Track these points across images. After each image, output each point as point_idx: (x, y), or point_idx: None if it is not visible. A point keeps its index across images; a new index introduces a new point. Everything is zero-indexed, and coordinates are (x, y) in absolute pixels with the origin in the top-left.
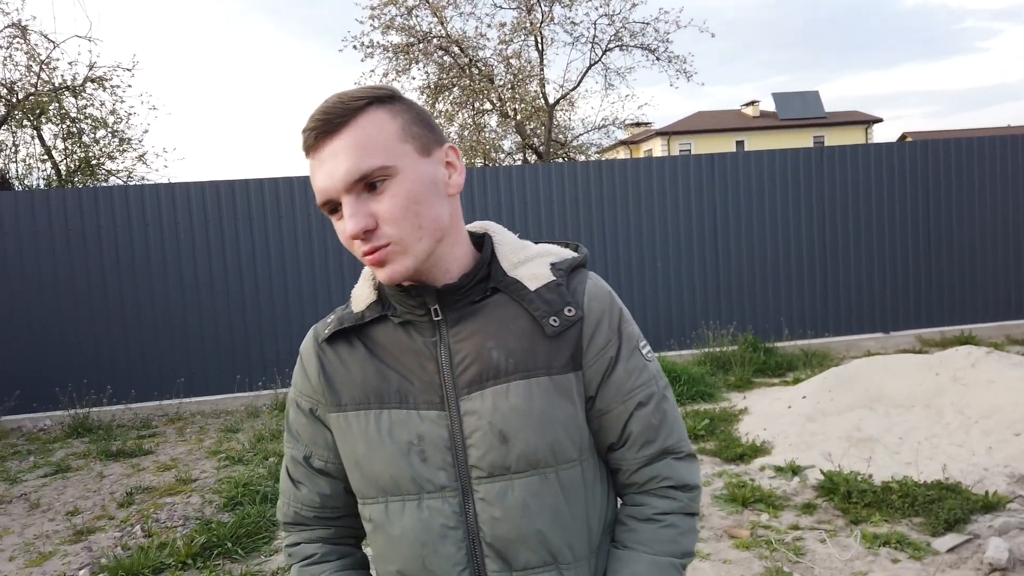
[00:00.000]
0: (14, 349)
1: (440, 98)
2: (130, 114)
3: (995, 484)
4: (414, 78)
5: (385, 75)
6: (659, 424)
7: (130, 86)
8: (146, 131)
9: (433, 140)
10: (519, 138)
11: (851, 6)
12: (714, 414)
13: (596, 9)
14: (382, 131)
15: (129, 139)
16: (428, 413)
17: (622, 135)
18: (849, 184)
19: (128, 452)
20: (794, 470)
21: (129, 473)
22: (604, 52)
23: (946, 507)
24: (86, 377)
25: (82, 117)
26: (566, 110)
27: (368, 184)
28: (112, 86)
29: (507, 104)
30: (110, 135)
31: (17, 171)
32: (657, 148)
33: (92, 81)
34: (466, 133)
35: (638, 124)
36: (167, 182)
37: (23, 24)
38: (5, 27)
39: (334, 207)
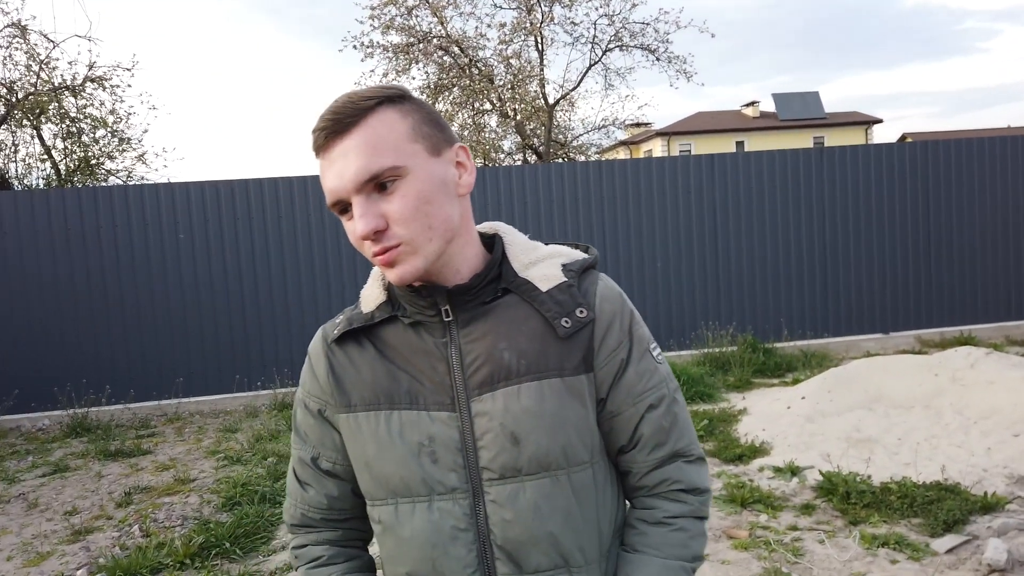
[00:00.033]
0: (13, 349)
1: (440, 98)
2: (130, 114)
3: (994, 485)
4: (414, 78)
5: (385, 75)
6: (670, 427)
7: (130, 86)
8: (146, 131)
9: (443, 140)
10: (519, 138)
11: (851, 6)
12: (713, 414)
13: (596, 9)
14: (392, 131)
15: (129, 139)
16: (439, 414)
17: (622, 135)
18: (849, 185)
19: (127, 452)
20: (793, 471)
21: (127, 473)
22: (604, 52)
23: (945, 508)
24: (85, 377)
25: (82, 117)
26: (566, 110)
27: (378, 184)
28: (112, 86)
29: (507, 104)
30: (110, 135)
31: (17, 171)
32: (657, 148)
33: (92, 81)
34: (466, 133)
35: (638, 124)
36: (167, 182)
37: (23, 24)
38: (5, 27)
39: (344, 207)
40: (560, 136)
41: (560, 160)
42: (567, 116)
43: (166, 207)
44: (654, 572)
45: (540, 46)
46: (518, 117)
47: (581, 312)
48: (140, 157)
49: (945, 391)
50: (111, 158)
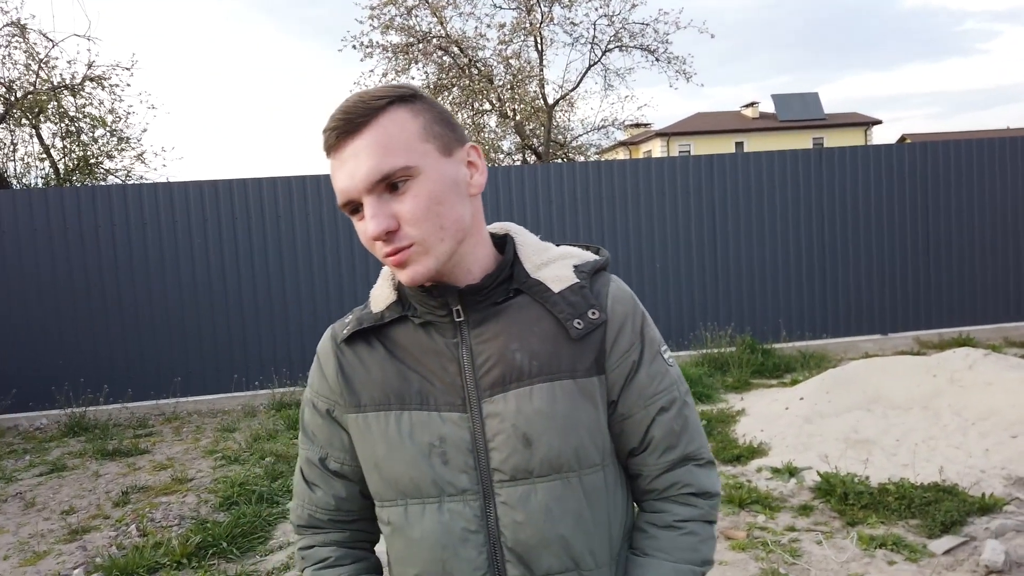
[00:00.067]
0: (11, 348)
1: (439, 98)
2: (129, 113)
3: (992, 486)
4: (413, 78)
5: (384, 75)
6: (681, 430)
7: (129, 85)
8: (145, 130)
9: (455, 139)
10: (518, 138)
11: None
12: (711, 415)
13: (596, 10)
14: (403, 131)
15: (128, 138)
16: (450, 415)
17: (621, 136)
18: (848, 185)
19: (124, 451)
20: (791, 471)
21: (125, 472)
22: (604, 53)
23: (943, 509)
24: (83, 376)
25: (81, 116)
26: (565, 111)
27: (390, 184)
28: (111, 85)
29: (506, 104)
30: (109, 134)
31: (15, 170)
32: (656, 149)
33: (91, 80)
34: (465, 133)
35: (637, 125)
36: (165, 181)
37: (22, 23)
38: (4, 26)
39: (355, 208)
40: (559, 136)
41: (559, 160)
42: (566, 116)
43: (164, 207)
44: None
45: (540, 46)
46: (517, 117)
47: (593, 314)
48: (139, 156)
49: (943, 392)
50: (110, 157)
